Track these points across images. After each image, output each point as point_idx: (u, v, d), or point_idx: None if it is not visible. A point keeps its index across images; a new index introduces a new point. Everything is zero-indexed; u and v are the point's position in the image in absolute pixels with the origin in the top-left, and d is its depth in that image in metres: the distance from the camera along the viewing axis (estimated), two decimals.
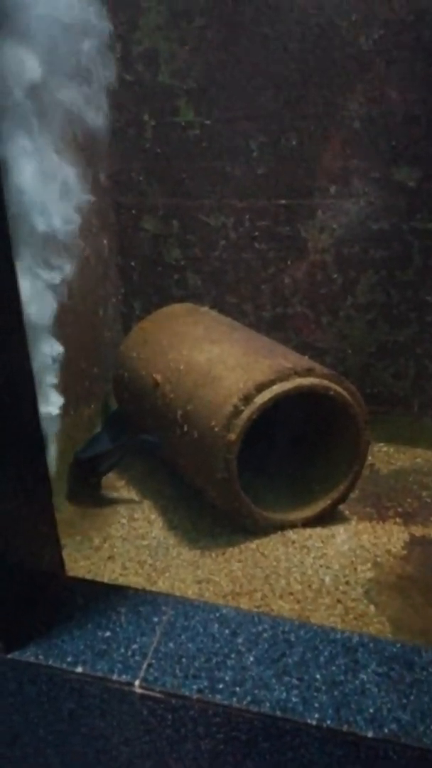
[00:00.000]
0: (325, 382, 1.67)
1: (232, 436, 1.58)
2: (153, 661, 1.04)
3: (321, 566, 1.62)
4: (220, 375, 1.68)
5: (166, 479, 2.03)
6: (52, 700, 1.07)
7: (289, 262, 2.15)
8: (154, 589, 1.54)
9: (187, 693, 0.98)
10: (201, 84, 1.99)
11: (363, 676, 1.00)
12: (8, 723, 1.13)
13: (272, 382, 1.61)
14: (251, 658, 1.04)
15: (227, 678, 1.00)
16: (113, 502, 1.93)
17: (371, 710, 0.94)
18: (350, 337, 2.20)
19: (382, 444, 2.24)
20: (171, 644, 1.07)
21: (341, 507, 1.84)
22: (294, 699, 0.96)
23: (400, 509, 1.88)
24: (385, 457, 2.19)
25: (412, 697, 0.96)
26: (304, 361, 1.74)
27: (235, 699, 0.97)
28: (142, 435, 1.96)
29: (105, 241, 2.14)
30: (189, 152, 2.08)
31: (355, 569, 1.62)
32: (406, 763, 0.90)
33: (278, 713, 0.94)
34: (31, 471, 1.09)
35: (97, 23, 1.62)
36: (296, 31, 1.87)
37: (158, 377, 1.86)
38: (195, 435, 1.67)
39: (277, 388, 1.61)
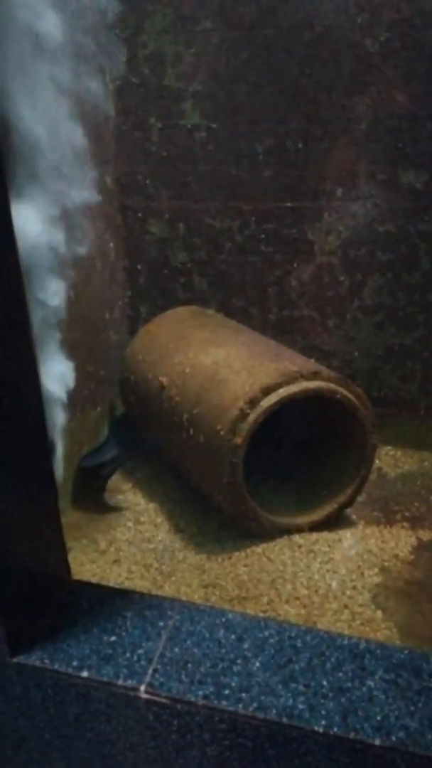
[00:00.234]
0: (332, 386, 1.66)
1: (238, 440, 1.57)
2: (158, 666, 1.03)
3: (328, 571, 1.61)
4: (226, 378, 1.68)
5: (172, 483, 2.03)
6: (57, 704, 1.06)
7: (295, 265, 2.14)
8: (159, 593, 1.54)
9: (192, 699, 0.97)
10: (207, 87, 1.99)
11: (370, 683, 0.99)
12: (14, 727, 1.12)
13: (278, 386, 1.60)
14: (257, 664, 1.03)
15: (233, 684, 1.00)
16: (113, 508, 1.92)
17: (378, 718, 0.93)
18: (357, 340, 2.19)
19: (389, 447, 2.23)
20: (177, 649, 1.06)
21: (348, 511, 1.83)
22: (300, 706, 0.95)
23: (407, 513, 1.87)
24: (392, 460, 2.17)
25: (420, 705, 0.95)
26: (311, 365, 1.73)
27: (241, 705, 0.96)
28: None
29: (111, 245, 2.14)
30: (195, 155, 2.08)
31: (362, 574, 1.60)
32: None
33: (285, 720, 0.94)
34: (36, 474, 1.09)
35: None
36: (302, 34, 1.87)
37: (164, 380, 1.86)
38: (201, 438, 1.67)
39: (283, 392, 1.60)
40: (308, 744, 0.93)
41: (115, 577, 1.62)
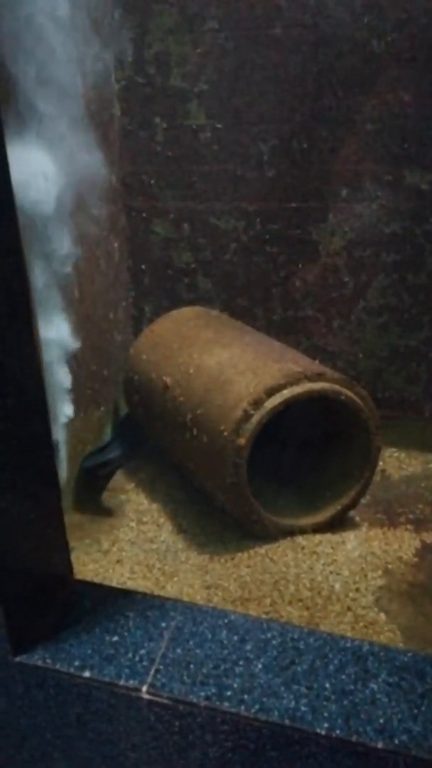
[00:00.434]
0: (336, 387, 1.66)
1: (242, 441, 1.57)
2: (161, 666, 1.03)
3: (331, 573, 1.60)
4: (230, 379, 1.68)
5: (175, 483, 2.03)
6: (59, 704, 1.06)
7: (300, 266, 2.14)
8: (162, 593, 1.54)
9: (194, 700, 0.97)
10: (212, 87, 1.99)
11: (373, 685, 0.99)
12: (16, 726, 1.12)
13: (282, 387, 1.60)
14: (260, 666, 1.03)
15: (235, 685, 0.99)
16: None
17: (381, 720, 0.93)
18: (362, 341, 2.19)
19: (393, 449, 2.22)
20: (179, 650, 1.06)
21: (352, 513, 1.83)
22: (303, 708, 0.95)
23: (411, 516, 1.86)
24: (396, 462, 2.17)
25: (423, 708, 0.95)
26: (315, 366, 1.73)
27: (243, 707, 0.96)
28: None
29: (116, 245, 2.14)
30: (200, 155, 2.08)
31: (366, 576, 1.60)
32: None
33: (287, 722, 0.93)
34: (39, 474, 1.09)
35: None
36: (308, 34, 1.87)
37: (168, 380, 1.86)
38: (205, 439, 1.66)
39: (287, 393, 1.60)
40: (310, 746, 0.92)
41: (118, 577, 1.62)
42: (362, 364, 2.21)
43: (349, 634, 1.35)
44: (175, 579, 1.60)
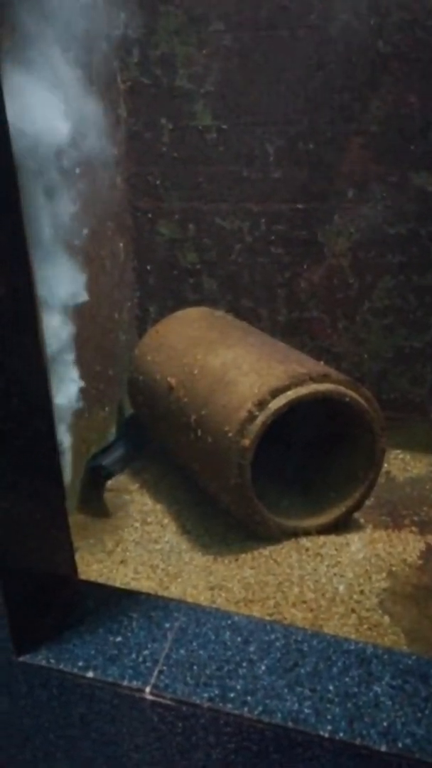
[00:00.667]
0: (341, 388, 1.65)
1: (246, 442, 1.57)
2: (164, 667, 1.03)
3: (335, 575, 1.60)
4: (235, 380, 1.68)
5: (179, 483, 2.03)
6: (62, 704, 1.06)
7: (305, 267, 2.14)
8: (166, 594, 1.54)
9: (197, 701, 0.97)
10: (218, 88, 1.99)
11: (377, 688, 0.98)
12: (19, 726, 1.13)
13: (287, 388, 1.60)
14: (263, 667, 1.03)
15: (239, 687, 0.99)
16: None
17: (385, 724, 0.93)
18: (367, 343, 2.18)
19: (398, 451, 2.21)
20: (182, 651, 1.06)
21: (356, 515, 1.82)
22: (306, 710, 0.95)
23: (416, 518, 1.86)
24: (401, 464, 2.16)
25: (427, 712, 0.94)
26: (320, 367, 1.73)
27: (246, 708, 0.96)
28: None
29: (121, 245, 2.15)
30: (206, 156, 2.08)
31: (370, 578, 1.59)
32: None
33: (290, 724, 0.93)
34: (44, 474, 1.09)
35: None
36: (313, 35, 1.86)
37: (173, 381, 1.86)
38: (209, 440, 1.66)
39: (291, 394, 1.59)
40: (313, 749, 0.92)
41: (122, 578, 1.62)
42: (367, 366, 2.20)
43: (353, 637, 1.34)
44: (179, 580, 1.60)
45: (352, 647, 1.06)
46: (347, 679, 1.00)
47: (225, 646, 1.07)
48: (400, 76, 1.86)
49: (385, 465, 1.94)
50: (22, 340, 0.99)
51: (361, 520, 1.83)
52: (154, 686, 1.00)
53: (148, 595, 1.21)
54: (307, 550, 1.69)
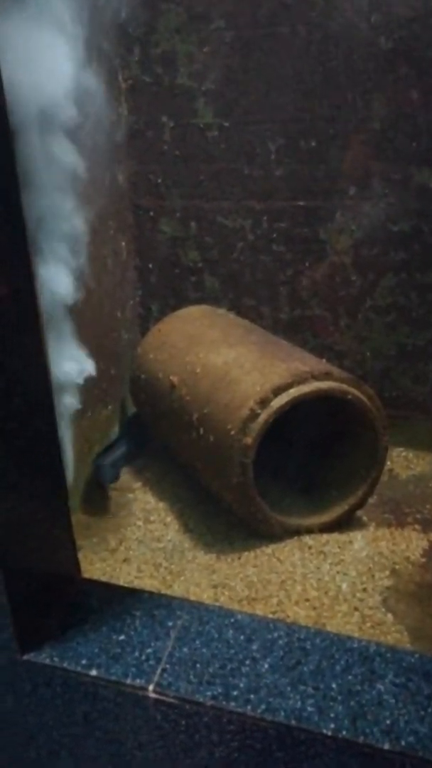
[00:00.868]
0: (344, 386, 1.65)
1: (249, 440, 1.57)
2: (167, 665, 1.03)
3: (338, 573, 1.60)
4: (237, 378, 1.67)
5: (182, 482, 2.03)
6: (66, 702, 1.07)
7: (307, 264, 2.13)
8: (169, 592, 1.54)
9: (201, 699, 0.97)
10: (219, 86, 1.99)
11: (380, 686, 0.98)
12: (23, 724, 1.13)
13: (289, 386, 1.60)
14: (266, 666, 1.03)
15: (242, 685, 0.99)
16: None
17: (388, 722, 0.93)
18: (369, 340, 2.18)
19: (401, 449, 2.21)
20: (185, 649, 1.06)
21: (359, 513, 1.82)
22: (309, 708, 0.95)
23: (419, 515, 1.85)
24: (404, 462, 2.16)
25: (430, 710, 0.94)
26: (322, 365, 1.72)
27: (249, 707, 0.96)
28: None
29: (123, 243, 2.15)
30: (207, 154, 2.08)
31: (373, 576, 1.59)
32: None
33: (293, 722, 0.93)
34: (46, 473, 1.10)
35: None
36: (315, 32, 1.86)
37: (175, 379, 1.86)
38: (211, 438, 1.66)
39: (294, 392, 1.59)
40: (317, 747, 0.92)
41: (125, 576, 1.62)
42: (369, 364, 2.20)
43: (356, 635, 1.34)
44: (182, 578, 1.60)
45: (355, 645, 1.06)
46: (350, 677, 1.00)
47: (228, 645, 1.07)
48: (401, 73, 1.85)
49: (388, 463, 1.94)
50: (24, 340, 0.99)
51: (364, 518, 1.83)
52: (158, 684, 1.00)
53: (151, 593, 1.21)
54: (309, 548, 1.69)
